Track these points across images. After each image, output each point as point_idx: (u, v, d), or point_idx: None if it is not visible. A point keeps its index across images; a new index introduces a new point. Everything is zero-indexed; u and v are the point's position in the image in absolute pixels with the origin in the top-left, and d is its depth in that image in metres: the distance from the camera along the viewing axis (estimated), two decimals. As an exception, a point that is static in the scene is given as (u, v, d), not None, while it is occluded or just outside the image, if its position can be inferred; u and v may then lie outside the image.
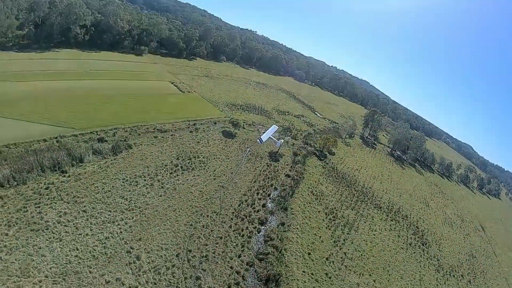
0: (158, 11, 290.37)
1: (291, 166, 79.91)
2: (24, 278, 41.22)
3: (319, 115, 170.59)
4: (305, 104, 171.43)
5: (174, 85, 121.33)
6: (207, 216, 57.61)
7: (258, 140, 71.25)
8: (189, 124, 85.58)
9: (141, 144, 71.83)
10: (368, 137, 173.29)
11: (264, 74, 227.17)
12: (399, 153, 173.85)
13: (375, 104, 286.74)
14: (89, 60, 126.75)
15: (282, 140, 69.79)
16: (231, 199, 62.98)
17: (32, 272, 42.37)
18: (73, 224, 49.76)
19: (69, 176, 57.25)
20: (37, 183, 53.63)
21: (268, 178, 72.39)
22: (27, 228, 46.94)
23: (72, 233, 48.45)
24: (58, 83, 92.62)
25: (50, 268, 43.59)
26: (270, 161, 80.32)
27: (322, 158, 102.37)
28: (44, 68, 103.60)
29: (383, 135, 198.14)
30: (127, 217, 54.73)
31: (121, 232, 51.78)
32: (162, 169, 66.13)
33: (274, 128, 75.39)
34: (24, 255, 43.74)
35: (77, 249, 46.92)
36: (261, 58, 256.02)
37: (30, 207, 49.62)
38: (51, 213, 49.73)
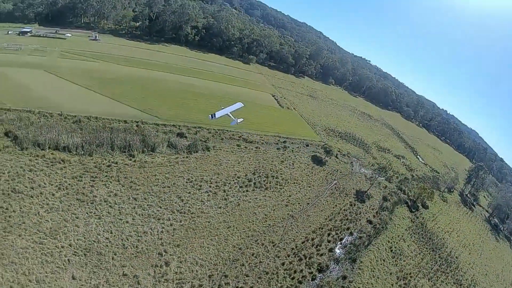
0: (274, 26, 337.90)
1: (377, 212, 79.59)
2: (50, 238, 44.67)
3: (420, 159, 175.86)
4: (408, 145, 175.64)
5: (275, 98, 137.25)
6: (262, 244, 56.83)
7: (210, 116, 69.39)
8: (278, 140, 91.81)
9: (220, 149, 79.65)
10: (468, 195, 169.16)
11: (371, 105, 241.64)
12: (497, 221, 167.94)
13: (482, 159, 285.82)
14: (195, 59, 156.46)
15: (242, 120, 66.66)
16: (296, 233, 62.37)
17: (59, 236, 45.17)
18: (118, 207, 53.07)
19: (135, 161, 64.17)
20: (101, 159, 61.74)
21: (347, 219, 71.10)
22: (74, 196, 52.11)
23: (113, 216, 51.27)
24: (158, 74, 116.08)
25: (77, 240, 45.83)
26: (355, 200, 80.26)
27: (413, 210, 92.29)
28: (149, 58, 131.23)
29: (484, 196, 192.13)
30: (175, 219, 55.18)
31: (162, 231, 51.70)
32: (233, 180, 69.24)
33: (238, 105, 73.49)
34: (60, 218, 47.89)
35: (111, 233, 48.34)
36: (370, 87, 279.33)
37: (85, 178, 55.97)
38: (102, 190, 54.58)
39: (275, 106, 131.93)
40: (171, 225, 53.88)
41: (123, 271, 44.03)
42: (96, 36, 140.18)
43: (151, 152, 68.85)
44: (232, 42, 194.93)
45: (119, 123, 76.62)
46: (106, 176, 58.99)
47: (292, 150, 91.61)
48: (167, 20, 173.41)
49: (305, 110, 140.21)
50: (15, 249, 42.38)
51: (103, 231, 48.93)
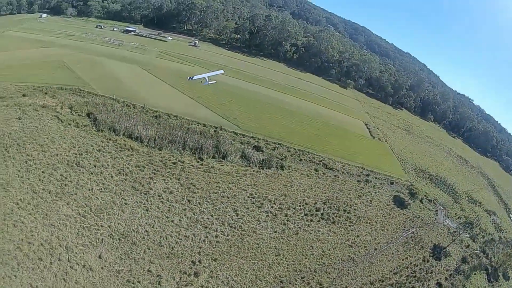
0: (377, 54, 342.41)
1: (450, 274, 77.56)
2: (94, 214, 49.35)
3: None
4: (502, 200, 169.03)
5: (367, 127, 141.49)
6: (308, 283, 54.18)
7: (188, 78, 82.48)
8: (361, 172, 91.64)
9: (295, 170, 79.91)
10: None
11: (469, 149, 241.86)
12: None
13: None
14: (291, 76, 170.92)
15: (214, 82, 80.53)
16: (352, 279, 60.64)
17: (102, 215, 49.52)
18: (169, 205, 56.01)
19: (202, 164, 68.78)
20: (169, 155, 68.18)
21: (414, 277, 68.69)
22: (130, 183, 57.43)
23: (161, 212, 54.07)
24: (250, 85, 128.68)
25: (118, 224, 49.10)
26: (430, 255, 78.04)
27: (492, 280, 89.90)
28: (244, 69, 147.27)
29: None
30: (222, 231, 54.51)
31: (204, 240, 51.66)
32: (299, 206, 68.77)
33: (219, 72, 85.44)
34: (109, 200, 52.79)
35: (152, 227, 50.48)
36: (470, 129, 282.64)
37: (147, 170, 61.62)
38: (159, 185, 59.01)
39: (366, 135, 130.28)
40: (216, 236, 50.48)
41: (149, 267, 44.61)
42: (195, 43, 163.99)
43: (221, 159, 70.79)
44: (331, 64, 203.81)
45: (197, 125, 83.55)
46: (168, 172, 62.36)
47: (374, 186, 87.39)
48: (267, 35, 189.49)
49: (397, 144, 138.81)
50: (59, 214, 47.46)
51: (146, 224, 49.18)
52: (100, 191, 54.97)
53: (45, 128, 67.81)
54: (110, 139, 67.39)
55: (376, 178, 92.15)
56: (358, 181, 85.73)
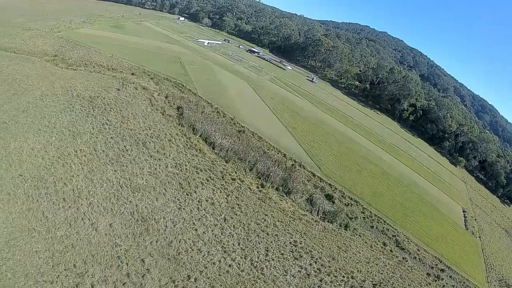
0: (500, 138, 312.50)
1: None
2: (130, 190, 50.46)
3: None
4: None
5: (464, 215, 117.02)
6: None
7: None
8: (435, 265, 73.45)
9: (359, 235, 66.47)
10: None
11: None
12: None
13: None
14: (400, 136, 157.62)
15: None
16: None
17: (136, 194, 50.37)
18: (203, 214, 53.06)
19: (260, 191, 64.17)
20: (233, 170, 66.24)
21: None
22: (179, 179, 57.23)
23: (191, 216, 51.50)
24: (352, 132, 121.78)
25: (144, 207, 49.41)
26: None
27: None
28: (353, 116, 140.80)
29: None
30: (239, 264, 47.83)
31: (214, 263, 46.35)
32: (342, 277, 54.40)
33: (219, 42, 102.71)
34: (152, 185, 53.40)
35: (174, 226, 48.15)
36: None
37: (202, 174, 60.82)
38: (205, 192, 57.17)
39: (459, 224, 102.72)
40: (229, 265, 43.24)
41: (145, 258, 42.66)
42: (313, 78, 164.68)
43: (284, 195, 63.96)
44: (446, 135, 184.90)
45: (277, 153, 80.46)
46: (221, 185, 60.06)
47: (445, 285, 65.34)
48: (386, 89, 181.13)
49: (490, 244, 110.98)
50: (102, 175, 50.68)
51: (169, 219, 47.78)
52: (149, 174, 56.00)
53: (134, 104, 74.90)
54: (185, 135, 69.92)
55: (450, 277, 69.71)
56: (427, 273, 65.49)
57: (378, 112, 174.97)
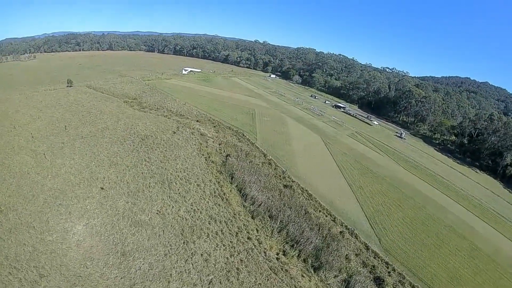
0: None
1: None
2: (128, 225, 48.86)
3: None
4: None
5: None
6: None
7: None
8: None
9: None
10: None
11: None
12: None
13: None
14: (500, 198, 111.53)
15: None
16: None
17: (134, 227, 47.79)
18: (190, 266, 43.91)
19: (277, 259, 49.26)
20: (254, 227, 56.25)
21: None
22: (181, 226, 51.55)
23: (176, 262, 42.34)
24: (441, 196, 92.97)
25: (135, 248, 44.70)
26: None
27: None
28: (444, 176, 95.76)
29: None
30: None
31: None
32: None
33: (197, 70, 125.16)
34: (149, 232, 49.94)
35: (150, 278, 36.09)
36: None
37: (214, 226, 53.53)
38: (205, 245, 49.14)
39: None
40: None
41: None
42: (402, 134, 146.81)
43: (310, 269, 51.36)
44: None
45: (325, 215, 65.27)
46: (230, 242, 50.56)
47: None
48: (486, 141, 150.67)
49: None
50: (112, 203, 52.67)
51: (148, 262, 39.66)
52: (156, 213, 53.52)
53: (182, 147, 78.78)
54: (218, 182, 64.23)
55: None
56: None
57: (478, 171, 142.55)
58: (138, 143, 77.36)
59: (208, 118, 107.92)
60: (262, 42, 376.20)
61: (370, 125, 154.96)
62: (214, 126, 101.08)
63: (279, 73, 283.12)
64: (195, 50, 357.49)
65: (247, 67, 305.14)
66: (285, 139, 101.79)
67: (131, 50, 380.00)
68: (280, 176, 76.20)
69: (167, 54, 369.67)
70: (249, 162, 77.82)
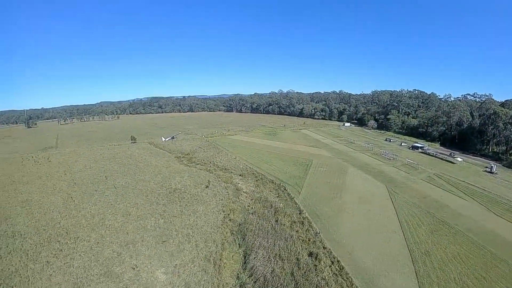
0: None
1: None
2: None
3: None
4: None
5: None
6: None
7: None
8: None
9: None
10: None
11: None
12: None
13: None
14: None
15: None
16: None
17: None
18: None
19: None
20: None
21: None
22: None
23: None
24: None
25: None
26: None
27: None
28: None
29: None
30: None
31: None
32: None
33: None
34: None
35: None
36: None
37: None
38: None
39: None
40: None
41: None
42: (493, 168, 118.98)
43: None
44: None
45: None
46: None
47: None
48: None
49: None
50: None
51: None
52: (132, 268, 48.88)
53: (206, 202, 76.24)
54: (222, 245, 56.31)
55: None
56: None
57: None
58: (163, 197, 78.29)
59: (254, 172, 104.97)
60: (338, 92, 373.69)
61: (453, 163, 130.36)
62: (256, 180, 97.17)
63: (355, 121, 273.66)
64: (271, 106, 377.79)
65: (322, 118, 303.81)
66: (337, 191, 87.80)
67: (210, 111, 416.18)
68: (309, 240, 62.12)
69: (245, 112, 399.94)
70: (275, 221, 68.01)
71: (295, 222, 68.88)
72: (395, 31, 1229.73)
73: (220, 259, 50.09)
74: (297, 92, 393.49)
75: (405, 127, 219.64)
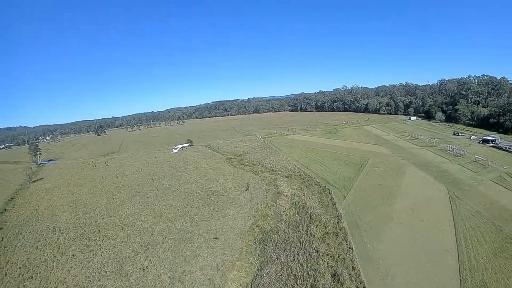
0: None
1: None
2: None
3: None
4: None
5: None
6: None
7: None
8: None
9: None
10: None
11: None
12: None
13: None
14: None
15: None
16: None
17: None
18: None
19: None
20: None
21: None
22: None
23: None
24: None
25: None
26: None
27: None
28: None
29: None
30: None
31: None
32: None
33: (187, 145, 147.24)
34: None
35: None
36: None
37: None
38: None
39: None
40: None
41: None
42: None
43: None
44: None
45: None
46: None
47: None
48: None
49: None
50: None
51: None
52: (142, 270, 49.28)
53: (240, 206, 76.08)
54: (240, 253, 53.95)
55: None
56: None
57: None
58: (199, 199, 79.76)
59: (302, 173, 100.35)
60: (404, 84, 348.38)
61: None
62: (302, 183, 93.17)
63: (422, 114, 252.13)
64: (336, 103, 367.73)
65: (387, 113, 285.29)
66: (388, 195, 74.86)
67: (276, 112, 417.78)
68: (338, 257, 52.49)
69: (309, 111, 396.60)
70: (305, 231, 61.36)
71: (328, 233, 60.03)
72: (460, 12, 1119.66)
73: (231, 270, 47.36)
74: (362, 87, 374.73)
75: (474, 118, 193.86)
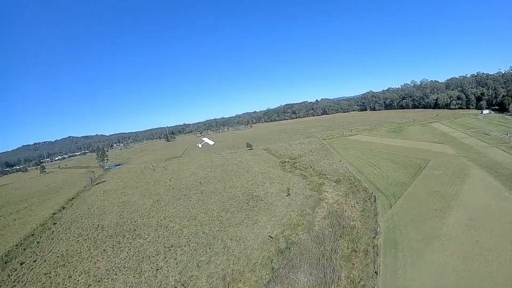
0: None
1: None
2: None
3: None
4: None
5: None
6: None
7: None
8: None
9: None
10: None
11: None
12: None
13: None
14: None
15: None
16: None
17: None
18: None
19: None
20: None
21: None
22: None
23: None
24: None
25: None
26: None
27: None
28: None
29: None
30: None
31: None
32: None
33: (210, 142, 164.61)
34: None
35: None
36: None
37: None
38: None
39: None
40: None
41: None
42: None
43: None
44: None
45: None
46: None
47: None
48: None
49: None
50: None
51: None
52: (157, 270, 51.40)
53: (274, 213, 72.58)
54: (259, 262, 51.34)
55: None
56: None
57: None
58: (237, 204, 79.91)
59: (352, 177, 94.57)
60: (475, 74, 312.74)
61: None
62: (349, 188, 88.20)
63: (495, 107, 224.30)
64: (405, 100, 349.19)
65: (458, 108, 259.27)
66: (442, 206, 61.26)
67: (344, 112, 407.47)
68: (358, 283, 44.01)
69: (378, 110, 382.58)
70: (330, 246, 55.32)
71: (357, 250, 52.12)
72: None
73: (237, 282, 45.72)
74: (431, 81, 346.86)
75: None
